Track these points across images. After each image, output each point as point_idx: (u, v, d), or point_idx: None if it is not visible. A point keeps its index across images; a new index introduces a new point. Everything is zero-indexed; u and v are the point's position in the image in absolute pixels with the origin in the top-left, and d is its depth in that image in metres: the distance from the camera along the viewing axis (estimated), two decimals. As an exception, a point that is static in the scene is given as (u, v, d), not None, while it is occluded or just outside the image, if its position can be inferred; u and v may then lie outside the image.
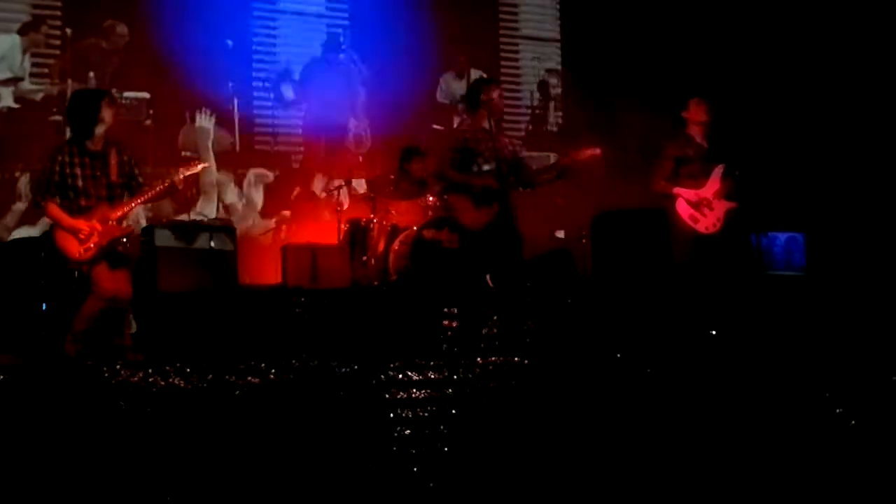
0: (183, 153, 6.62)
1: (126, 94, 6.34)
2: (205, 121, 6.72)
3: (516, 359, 5.39)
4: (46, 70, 6.15)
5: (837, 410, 4.66)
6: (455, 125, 7.45)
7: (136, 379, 4.73)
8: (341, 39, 6.47)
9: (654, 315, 6.97)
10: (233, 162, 6.61)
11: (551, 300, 7.21)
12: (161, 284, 6.81)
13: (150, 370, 4.83)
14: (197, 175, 5.95)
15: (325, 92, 6.71)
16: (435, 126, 7.17)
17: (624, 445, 4.56)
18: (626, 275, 8.02)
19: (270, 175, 7.03)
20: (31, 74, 6.12)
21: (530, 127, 7.31)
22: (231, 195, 6.97)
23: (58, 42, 6.10)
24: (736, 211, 6.61)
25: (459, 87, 7.16)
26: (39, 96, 6.27)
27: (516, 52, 7.14)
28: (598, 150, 6.02)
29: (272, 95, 6.76)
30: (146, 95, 6.38)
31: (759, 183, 6.86)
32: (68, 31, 6.09)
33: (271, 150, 6.72)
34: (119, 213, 5.75)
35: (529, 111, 7.18)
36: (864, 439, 4.51)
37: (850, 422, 4.59)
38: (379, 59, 6.71)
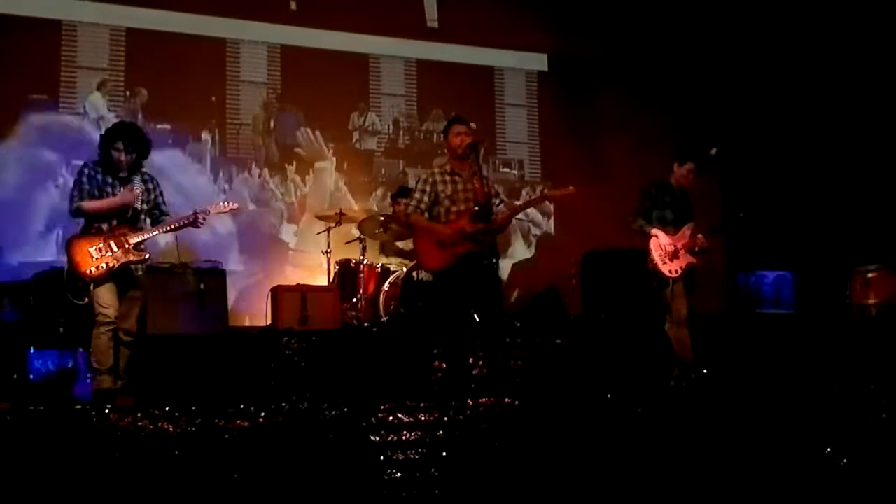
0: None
1: (158, 125, 9.33)
2: (203, 137, 9.77)
3: (507, 399, 5.37)
4: (117, 109, 9.33)
5: (828, 449, 4.66)
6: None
7: (124, 423, 4.71)
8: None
9: (644, 354, 6.97)
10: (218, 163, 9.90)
11: (541, 340, 7.20)
12: (150, 327, 6.79)
13: (139, 414, 4.80)
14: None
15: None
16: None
17: (616, 486, 4.54)
18: (616, 313, 8.05)
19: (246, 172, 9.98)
20: (109, 110, 9.29)
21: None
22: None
23: (121, 94, 9.43)
24: (694, 267, 6.65)
25: (360, 121, 10.41)
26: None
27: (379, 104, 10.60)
28: (572, 189, 6.02)
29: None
30: (168, 126, 9.49)
31: (747, 222, 6.90)
32: (127, 92, 9.44)
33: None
34: (138, 238, 5.78)
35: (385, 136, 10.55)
36: (854, 478, 4.50)
37: (841, 461, 4.58)
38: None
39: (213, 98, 9.76)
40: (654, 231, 6.63)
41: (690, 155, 6.81)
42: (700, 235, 6.66)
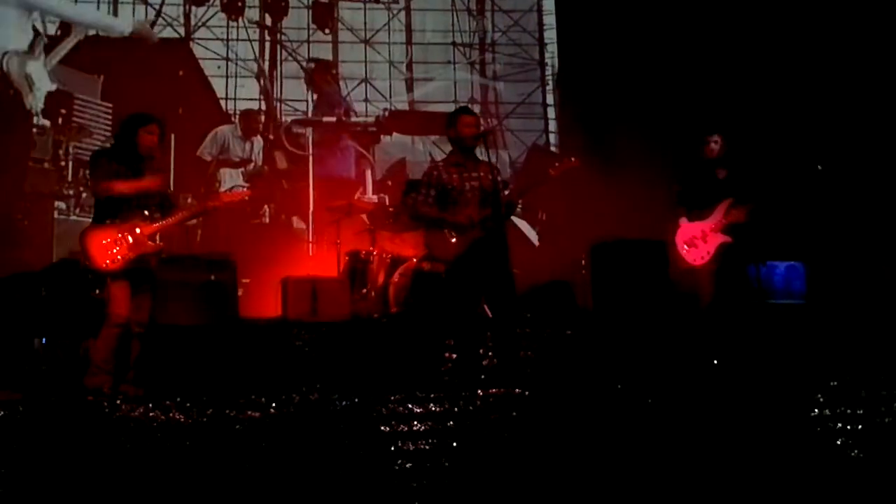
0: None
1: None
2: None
3: (517, 390, 5.37)
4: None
5: (839, 441, 4.65)
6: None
7: (136, 414, 4.72)
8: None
9: (654, 345, 6.95)
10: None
11: (551, 331, 7.19)
12: (161, 317, 6.79)
13: (150, 405, 4.82)
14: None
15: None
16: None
17: (626, 476, 4.54)
18: (626, 305, 8.02)
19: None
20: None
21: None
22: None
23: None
24: (730, 246, 6.56)
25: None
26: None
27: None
28: (574, 161, 5.98)
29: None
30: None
31: (758, 212, 6.86)
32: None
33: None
34: (151, 229, 5.76)
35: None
36: (867, 470, 4.49)
37: (853, 453, 4.57)
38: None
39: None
40: (680, 220, 6.57)
41: (707, 129, 6.71)
42: (735, 211, 6.51)
